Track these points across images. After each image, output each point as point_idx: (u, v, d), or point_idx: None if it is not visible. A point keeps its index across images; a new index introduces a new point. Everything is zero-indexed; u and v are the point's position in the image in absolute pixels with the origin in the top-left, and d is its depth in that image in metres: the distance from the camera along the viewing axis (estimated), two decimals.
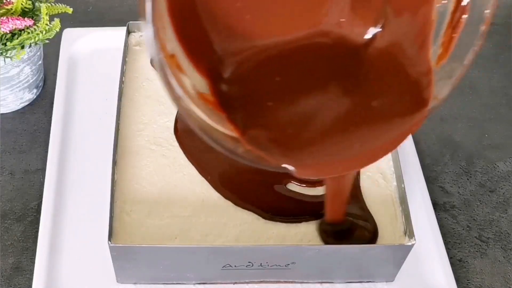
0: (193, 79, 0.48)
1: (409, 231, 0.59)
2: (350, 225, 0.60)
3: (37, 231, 0.64)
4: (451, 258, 0.66)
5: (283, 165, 0.48)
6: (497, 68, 0.87)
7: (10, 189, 0.70)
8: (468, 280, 0.66)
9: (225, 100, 0.49)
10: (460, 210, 0.71)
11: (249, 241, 0.60)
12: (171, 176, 0.64)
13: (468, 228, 0.70)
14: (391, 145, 0.50)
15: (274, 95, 0.50)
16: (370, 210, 0.62)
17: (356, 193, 0.63)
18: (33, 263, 0.62)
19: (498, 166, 0.76)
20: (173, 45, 0.47)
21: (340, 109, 0.50)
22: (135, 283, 0.62)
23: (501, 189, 0.74)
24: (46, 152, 0.70)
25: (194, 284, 0.62)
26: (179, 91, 0.44)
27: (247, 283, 0.62)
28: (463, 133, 0.79)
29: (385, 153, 0.51)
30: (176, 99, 0.44)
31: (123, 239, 0.58)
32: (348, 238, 0.60)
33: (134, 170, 0.64)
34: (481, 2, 0.46)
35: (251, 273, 0.61)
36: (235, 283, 0.62)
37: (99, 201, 0.64)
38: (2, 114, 0.76)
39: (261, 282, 0.62)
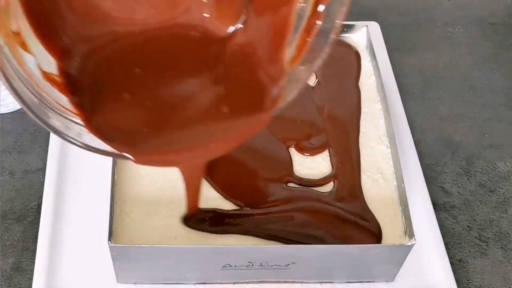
0: (41, 58, 0.47)
1: (409, 231, 0.59)
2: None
3: (37, 231, 0.64)
4: (451, 258, 0.66)
5: (124, 154, 0.47)
6: (497, 68, 0.87)
7: (10, 189, 0.70)
8: (468, 280, 0.66)
9: (73, 83, 0.48)
10: (460, 210, 0.71)
11: (250, 241, 0.60)
12: (171, 176, 0.64)
13: (468, 228, 0.70)
14: (235, 141, 0.50)
15: (126, 84, 0.50)
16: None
17: (357, 193, 0.63)
18: (33, 263, 0.62)
19: (498, 166, 0.76)
20: (21, 21, 0.45)
21: (191, 102, 0.50)
22: (135, 283, 0.62)
23: (501, 189, 0.74)
24: (46, 152, 0.70)
25: (194, 284, 0.62)
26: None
27: (247, 283, 0.62)
28: (463, 133, 0.79)
29: (227, 147, 0.50)
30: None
31: (123, 239, 0.58)
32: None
33: (134, 170, 0.64)
34: (334, 11, 0.47)
35: (251, 273, 0.61)
36: (235, 283, 0.62)
37: (99, 201, 0.64)
38: (2, 114, 0.76)
39: (261, 282, 0.62)
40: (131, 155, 0.47)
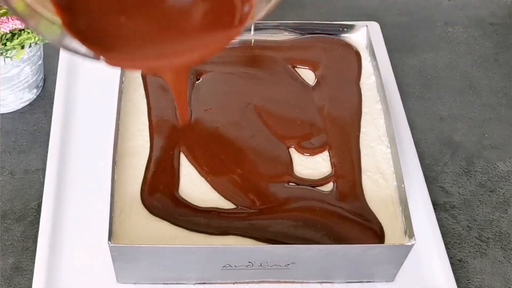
0: None
1: (409, 231, 0.59)
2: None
3: (37, 231, 0.64)
4: (451, 258, 0.66)
5: (98, 56, 0.48)
6: (497, 68, 0.87)
7: (10, 189, 0.70)
8: (468, 280, 0.66)
9: None
10: (460, 210, 0.72)
11: (249, 241, 0.60)
12: None
13: (468, 228, 0.70)
14: (203, 52, 0.51)
15: None
16: None
17: (357, 193, 0.63)
18: (33, 263, 0.62)
19: (498, 166, 0.76)
20: None
21: (166, 14, 0.50)
22: (135, 283, 0.62)
23: (501, 189, 0.74)
24: (46, 152, 0.70)
25: (194, 284, 0.62)
26: None
27: (247, 283, 0.62)
28: (463, 133, 0.79)
29: (195, 57, 0.51)
30: None
31: (123, 239, 0.58)
32: None
33: (134, 170, 0.64)
34: None
35: (251, 273, 0.61)
36: (235, 283, 0.62)
37: (99, 201, 0.64)
38: (2, 114, 0.76)
39: (261, 282, 0.62)
40: (104, 56, 0.48)
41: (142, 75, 0.72)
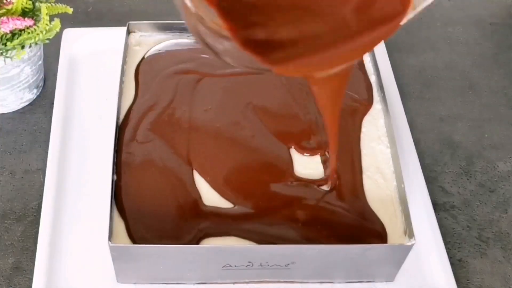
0: None
1: (409, 231, 0.59)
2: None
3: (37, 231, 0.64)
4: (451, 258, 0.66)
5: (267, 66, 0.50)
6: (497, 68, 0.87)
7: (10, 189, 0.70)
8: (468, 280, 0.66)
9: None
10: (460, 210, 0.71)
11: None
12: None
13: (468, 228, 0.70)
14: (365, 49, 0.54)
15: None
16: None
17: (358, 193, 0.63)
18: (33, 263, 0.62)
19: (498, 166, 0.76)
20: None
21: (326, 12, 0.52)
22: (135, 283, 0.62)
23: (501, 189, 0.74)
24: (46, 152, 0.70)
25: (194, 284, 0.62)
26: None
27: (247, 283, 0.62)
28: (463, 133, 0.79)
29: (358, 55, 0.54)
30: None
31: (123, 239, 0.58)
32: None
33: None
34: None
35: (251, 273, 0.61)
36: (235, 283, 0.62)
37: (99, 201, 0.64)
38: (2, 114, 0.76)
39: (261, 282, 0.62)
40: (270, 65, 0.50)
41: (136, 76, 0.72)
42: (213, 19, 0.49)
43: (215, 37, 0.50)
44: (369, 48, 0.55)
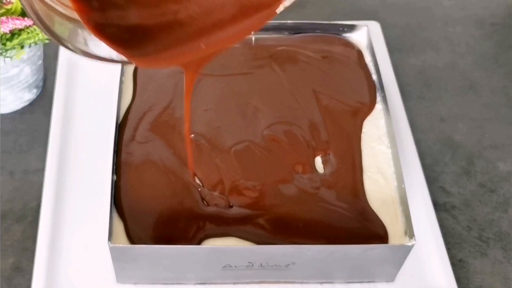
0: None
1: (409, 231, 0.59)
2: None
3: (37, 231, 0.64)
4: (451, 258, 0.66)
5: (126, 59, 0.45)
6: (497, 68, 0.87)
7: (10, 189, 0.70)
8: (468, 280, 0.66)
9: None
10: (460, 210, 0.71)
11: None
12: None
13: (468, 228, 0.70)
14: (236, 37, 0.50)
15: None
16: None
17: (358, 193, 0.63)
18: (33, 263, 0.62)
19: (498, 166, 0.76)
20: None
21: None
22: (135, 283, 0.61)
23: (501, 189, 0.74)
24: (46, 152, 0.70)
25: (194, 284, 0.62)
26: None
27: (247, 283, 0.62)
28: (463, 133, 0.79)
29: (229, 41, 0.50)
30: None
31: (123, 240, 0.58)
32: None
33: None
34: None
35: (251, 273, 0.61)
36: (235, 283, 0.62)
37: (98, 201, 0.64)
38: (2, 114, 0.76)
39: (261, 282, 0.62)
40: (133, 60, 0.46)
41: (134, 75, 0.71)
42: None
43: (59, 17, 0.44)
44: (242, 36, 0.50)
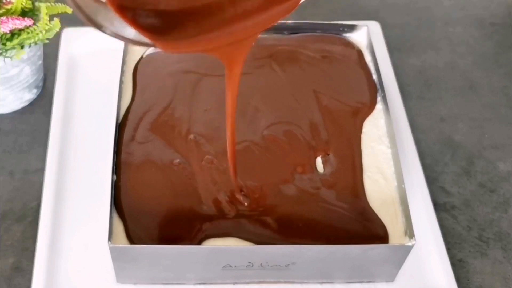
0: None
1: (409, 231, 0.59)
2: None
3: (37, 231, 0.64)
4: (451, 258, 0.66)
5: (151, 40, 0.46)
6: (497, 68, 0.87)
7: (10, 189, 0.70)
8: (468, 280, 0.66)
9: None
10: (460, 210, 0.71)
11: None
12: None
13: (468, 228, 0.70)
14: (261, 26, 0.51)
15: None
16: None
17: (358, 193, 0.63)
18: (33, 263, 0.62)
19: (498, 166, 0.76)
20: None
21: None
22: (135, 283, 0.61)
23: (501, 189, 0.74)
24: (46, 152, 0.70)
25: (194, 284, 0.62)
26: None
27: (247, 283, 0.62)
28: (463, 133, 0.79)
29: (256, 30, 0.51)
30: None
31: (123, 240, 0.58)
32: None
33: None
34: None
35: (251, 273, 0.61)
36: (235, 283, 0.62)
37: (98, 201, 0.64)
38: (2, 114, 0.76)
39: (261, 282, 0.62)
40: (160, 42, 0.47)
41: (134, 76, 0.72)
42: None
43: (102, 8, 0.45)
44: (267, 25, 0.51)
